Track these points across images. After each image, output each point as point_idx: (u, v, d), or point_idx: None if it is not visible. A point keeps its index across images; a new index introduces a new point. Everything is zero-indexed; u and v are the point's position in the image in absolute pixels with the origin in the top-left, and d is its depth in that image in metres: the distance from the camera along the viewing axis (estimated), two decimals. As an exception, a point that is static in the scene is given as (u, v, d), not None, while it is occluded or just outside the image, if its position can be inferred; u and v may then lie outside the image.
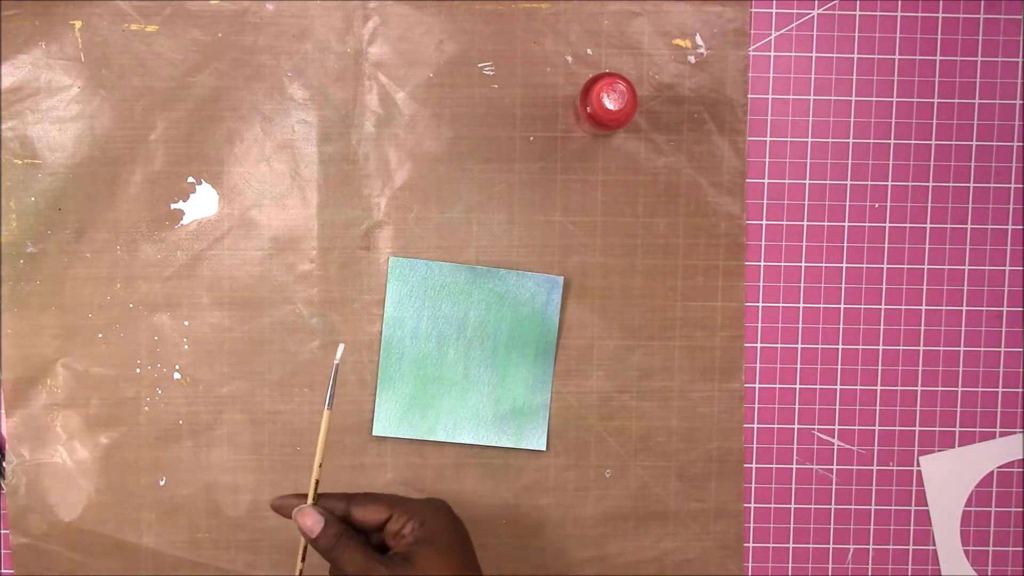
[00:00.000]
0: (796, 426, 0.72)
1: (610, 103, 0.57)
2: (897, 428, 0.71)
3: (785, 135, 0.70)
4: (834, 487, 0.72)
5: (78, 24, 0.67)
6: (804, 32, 0.70)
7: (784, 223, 0.71)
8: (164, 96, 0.68)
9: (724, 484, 0.71)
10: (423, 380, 0.70)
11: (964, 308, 0.71)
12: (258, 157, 0.69)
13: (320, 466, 0.59)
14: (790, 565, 0.72)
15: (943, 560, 0.72)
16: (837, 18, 0.70)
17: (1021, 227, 0.71)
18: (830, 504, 0.72)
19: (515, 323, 0.70)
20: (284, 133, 0.69)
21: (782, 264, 0.71)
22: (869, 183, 0.70)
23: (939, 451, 0.71)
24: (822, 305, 0.71)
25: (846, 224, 0.71)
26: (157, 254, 0.69)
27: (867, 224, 0.71)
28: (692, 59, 0.69)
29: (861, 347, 0.71)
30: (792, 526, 0.72)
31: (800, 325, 0.71)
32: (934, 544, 0.72)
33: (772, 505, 0.72)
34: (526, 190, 0.69)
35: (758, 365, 0.71)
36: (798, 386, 0.71)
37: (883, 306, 0.71)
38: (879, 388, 0.71)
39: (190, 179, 0.69)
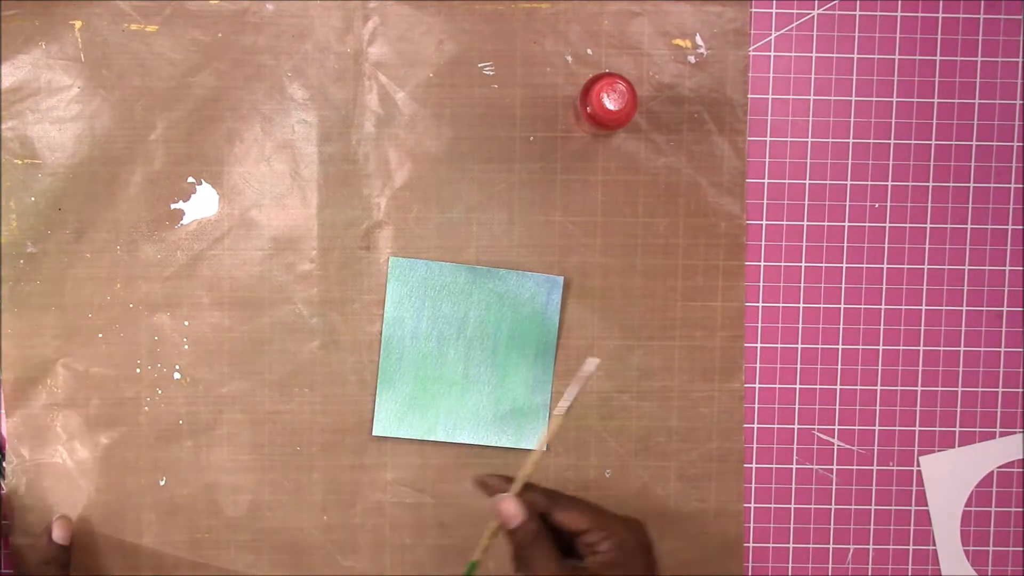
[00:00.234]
0: (796, 426, 0.72)
1: (610, 103, 0.57)
2: (897, 428, 0.71)
3: (785, 135, 0.70)
4: (834, 487, 0.72)
5: (78, 24, 0.67)
6: (804, 32, 0.70)
7: (784, 223, 0.71)
8: (164, 96, 0.68)
9: (724, 484, 0.71)
10: (423, 380, 0.70)
11: (964, 308, 0.71)
12: (258, 157, 0.69)
13: (535, 463, 0.60)
14: (790, 565, 0.72)
15: (943, 560, 0.72)
16: (837, 18, 0.70)
17: (1021, 227, 0.71)
18: (830, 504, 0.72)
19: (515, 323, 0.70)
20: (284, 133, 0.69)
21: (782, 264, 0.71)
22: (869, 183, 0.70)
23: (939, 451, 0.71)
24: (822, 305, 0.71)
25: (846, 224, 0.71)
26: (157, 254, 0.69)
27: (867, 224, 0.71)
28: (692, 59, 0.69)
29: (861, 347, 0.71)
30: (792, 526, 0.72)
31: (800, 325, 0.71)
32: (934, 544, 0.72)
33: (772, 505, 0.72)
34: (526, 190, 0.69)
35: (758, 365, 0.71)
36: (798, 386, 0.71)
37: (883, 306, 0.71)
38: (879, 388, 0.71)
39: (190, 179, 0.69)
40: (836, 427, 0.72)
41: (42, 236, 0.68)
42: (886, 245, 0.71)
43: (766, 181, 0.70)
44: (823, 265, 0.71)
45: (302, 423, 0.70)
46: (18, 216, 0.68)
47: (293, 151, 0.69)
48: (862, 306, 0.71)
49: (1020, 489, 0.72)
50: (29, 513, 0.70)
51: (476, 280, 0.69)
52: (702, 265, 0.70)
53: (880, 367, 0.71)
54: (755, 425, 0.71)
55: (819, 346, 0.71)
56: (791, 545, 0.72)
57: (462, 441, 0.70)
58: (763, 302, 0.71)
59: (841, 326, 0.71)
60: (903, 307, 0.71)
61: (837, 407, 0.72)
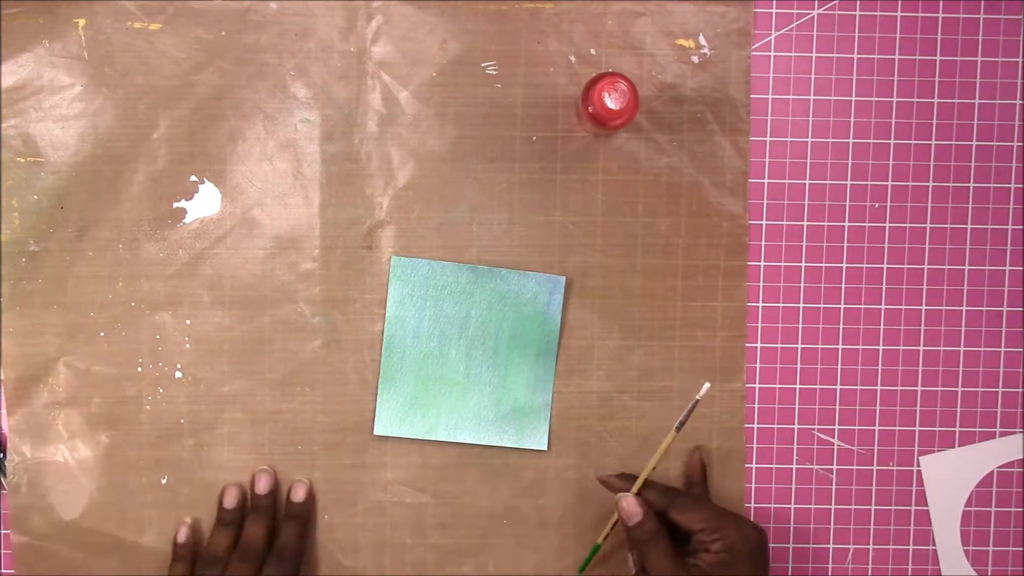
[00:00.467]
0: (796, 426, 0.72)
1: (611, 102, 0.57)
2: (897, 428, 0.71)
3: (785, 135, 0.70)
4: (834, 487, 0.72)
5: (81, 22, 0.67)
6: (804, 32, 0.70)
7: (784, 223, 0.71)
8: (167, 94, 0.68)
9: (725, 484, 0.71)
10: (424, 380, 0.70)
11: (964, 308, 0.71)
12: (260, 156, 0.69)
13: (654, 468, 0.64)
14: (790, 565, 0.72)
15: (943, 560, 0.72)
16: (837, 18, 0.70)
17: (1021, 227, 0.71)
18: (830, 504, 0.72)
19: (517, 323, 0.70)
20: (287, 132, 0.69)
21: (782, 264, 0.71)
22: (869, 183, 0.70)
23: (939, 451, 0.71)
24: (822, 305, 0.71)
25: (846, 224, 0.71)
26: (159, 253, 0.69)
27: (867, 224, 0.71)
28: (695, 59, 0.69)
29: (861, 347, 0.71)
30: (792, 526, 0.72)
31: (800, 325, 0.71)
32: (934, 544, 0.72)
33: (772, 505, 0.72)
34: (528, 190, 0.70)
35: (758, 365, 0.71)
36: (798, 386, 0.72)
37: (883, 306, 0.71)
38: (879, 388, 0.71)
39: (192, 178, 0.69)
40: (836, 427, 0.72)
41: (44, 234, 0.68)
42: (886, 245, 0.71)
43: (766, 181, 0.71)
44: (823, 265, 0.71)
45: (303, 422, 0.70)
46: (21, 214, 0.68)
47: (296, 150, 0.69)
48: (862, 306, 0.71)
49: (1020, 489, 0.72)
50: (30, 511, 0.69)
51: (478, 280, 0.69)
52: (703, 265, 0.70)
53: (880, 367, 0.71)
54: (755, 425, 0.72)
55: (819, 346, 0.71)
56: (791, 545, 0.72)
57: (463, 441, 0.70)
58: (763, 302, 0.71)
59: (841, 326, 0.71)
60: (903, 307, 0.71)
61: (837, 407, 0.72)
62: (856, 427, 0.71)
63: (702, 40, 0.69)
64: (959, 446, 0.71)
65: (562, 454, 0.71)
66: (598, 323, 0.70)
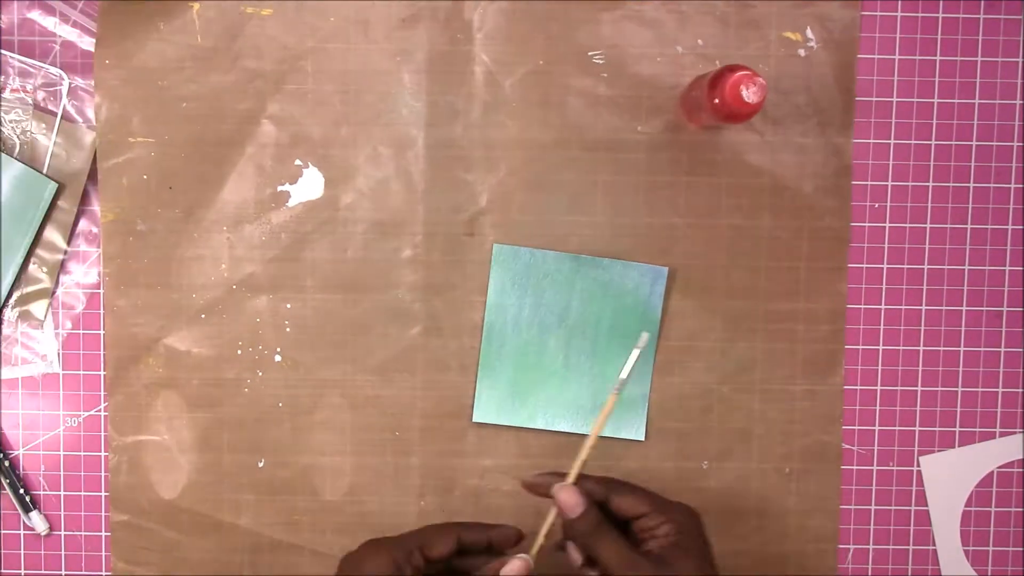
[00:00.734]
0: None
1: (750, 96, 0.56)
2: (897, 428, 0.71)
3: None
4: (831, 487, 0.72)
5: (196, 6, 0.68)
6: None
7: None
8: (276, 79, 0.68)
9: (821, 479, 0.71)
10: (523, 368, 0.70)
11: (964, 308, 0.71)
12: (365, 141, 0.69)
13: (592, 447, 0.59)
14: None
15: (943, 560, 0.72)
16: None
17: (1021, 227, 0.71)
18: (829, 503, 0.72)
19: (617, 313, 0.70)
20: (392, 117, 0.69)
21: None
22: (869, 183, 0.70)
23: (939, 451, 0.71)
24: (819, 305, 0.71)
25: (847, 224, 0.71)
26: (262, 236, 0.69)
27: (867, 224, 0.70)
28: (802, 52, 0.69)
29: (861, 347, 0.71)
30: (795, 526, 0.72)
31: (798, 325, 0.71)
32: (934, 544, 0.72)
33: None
34: (631, 180, 0.70)
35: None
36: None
37: (883, 306, 0.71)
38: (879, 388, 0.71)
39: (297, 162, 0.69)
40: (833, 427, 0.72)
41: (152, 214, 0.69)
42: (886, 245, 0.71)
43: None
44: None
45: (402, 408, 0.70)
46: (130, 194, 0.69)
47: (400, 136, 0.69)
48: (862, 306, 0.71)
49: (1020, 489, 0.72)
50: (130, 490, 0.70)
51: (580, 269, 0.69)
52: (805, 261, 0.70)
53: (880, 367, 0.71)
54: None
55: (818, 346, 0.71)
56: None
57: (561, 430, 0.70)
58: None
59: (838, 326, 0.71)
60: (903, 307, 0.71)
61: (834, 407, 0.72)
62: (856, 427, 0.71)
63: (809, 33, 0.69)
64: (959, 446, 0.71)
65: (659, 445, 0.71)
66: (699, 315, 0.70)
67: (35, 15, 0.69)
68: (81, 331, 0.70)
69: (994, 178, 0.70)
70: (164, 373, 0.70)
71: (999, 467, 0.71)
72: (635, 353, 0.59)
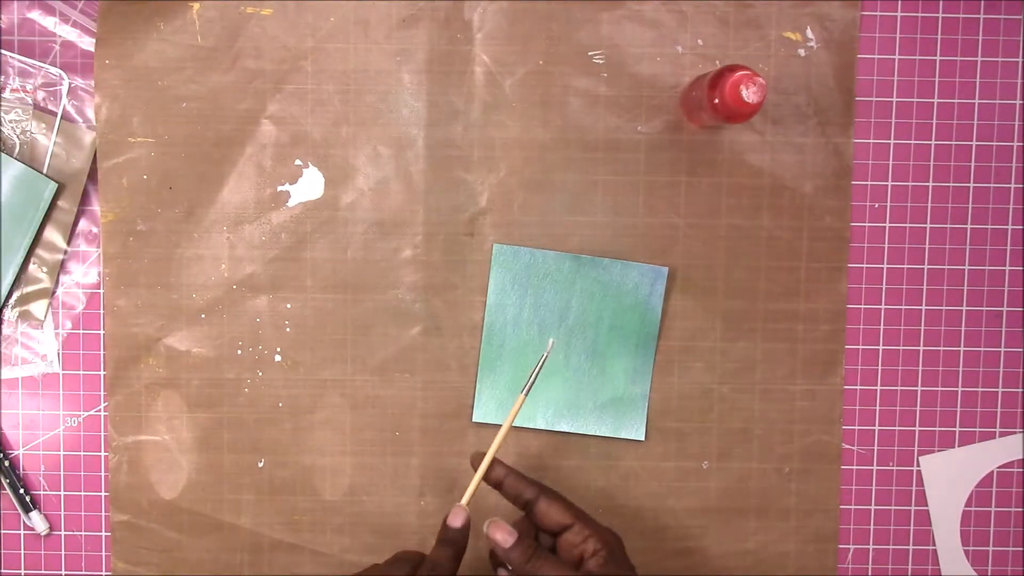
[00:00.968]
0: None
1: (750, 96, 0.57)
2: (897, 428, 0.71)
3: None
4: (832, 487, 0.72)
5: (196, 6, 0.68)
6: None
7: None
8: (276, 79, 0.68)
9: (821, 478, 0.71)
10: (524, 368, 0.70)
11: (964, 308, 0.71)
12: (365, 141, 0.69)
13: (504, 438, 0.60)
14: (798, 564, 0.72)
15: (943, 560, 0.72)
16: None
17: (1021, 227, 0.71)
18: (829, 503, 0.72)
19: (617, 313, 0.70)
20: (392, 117, 0.69)
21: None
22: (869, 183, 0.70)
23: (939, 451, 0.71)
24: (823, 305, 0.71)
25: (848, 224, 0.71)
26: (262, 236, 0.69)
27: (867, 224, 0.71)
28: (802, 52, 0.69)
29: (861, 347, 0.71)
30: (802, 525, 0.72)
31: (799, 325, 0.71)
32: (934, 544, 0.72)
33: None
34: (632, 180, 0.70)
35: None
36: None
37: (883, 306, 0.71)
38: (879, 388, 0.71)
39: (297, 162, 0.69)
40: (833, 427, 0.72)
41: (152, 214, 0.69)
42: (886, 245, 0.71)
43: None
44: (824, 265, 0.71)
45: (402, 408, 0.70)
46: (130, 194, 0.69)
47: (400, 136, 0.69)
48: (862, 306, 0.71)
49: (1020, 489, 0.72)
50: (130, 490, 0.70)
51: (579, 269, 0.69)
52: (805, 261, 0.70)
53: (880, 367, 0.71)
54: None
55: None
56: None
57: (561, 430, 0.70)
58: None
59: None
60: (903, 307, 0.71)
61: (834, 407, 0.72)
62: (856, 427, 0.71)
63: (809, 33, 0.69)
64: (959, 446, 0.71)
65: (659, 445, 0.71)
66: (699, 315, 0.70)
67: (35, 15, 0.69)
68: (81, 331, 0.70)
69: (994, 178, 0.71)
70: (164, 373, 0.70)
71: (999, 467, 0.71)
72: (543, 357, 0.60)
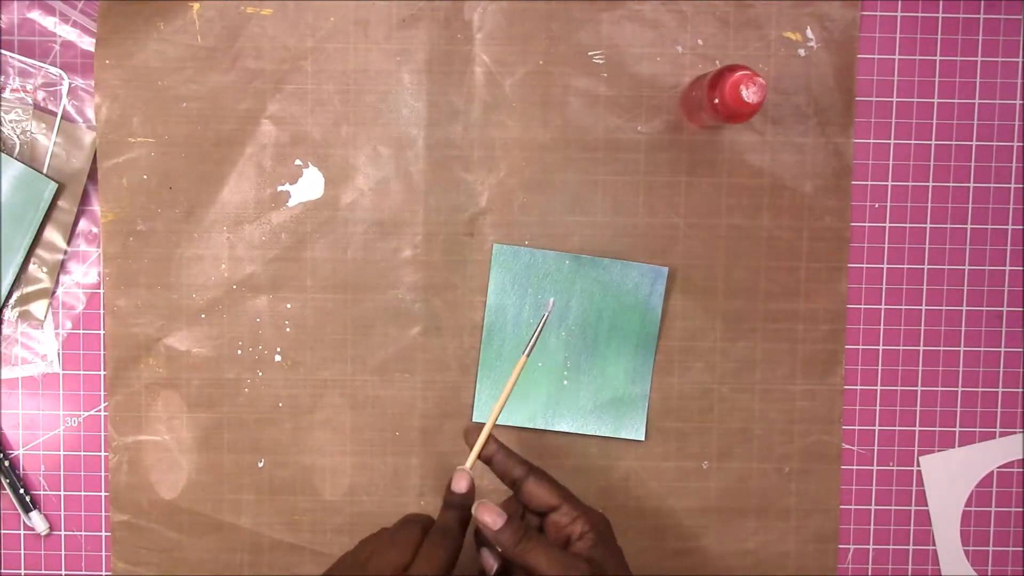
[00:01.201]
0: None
1: (750, 96, 0.57)
2: (897, 428, 0.71)
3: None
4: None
5: (196, 6, 0.68)
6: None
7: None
8: (276, 79, 0.68)
9: (821, 478, 0.71)
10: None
11: (964, 308, 0.71)
12: (365, 141, 0.69)
13: (501, 408, 0.60)
14: (799, 564, 0.72)
15: (943, 560, 0.72)
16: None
17: (1021, 227, 0.71)
18: (829, 503, 0.72)
19: (617, 313, 0.70)
20: (392, 118, 0.69)
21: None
22: (869, 183, 0.70)
23: (939, 451, 0.71)
24: (823, 305, 0.71)
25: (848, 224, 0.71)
26: (262, 236, 0.69)
27: (867, 224, 0.71)
28: (802, 52, 0.69)
29: (861, 347, 0.71)
30: (803, 525, 0.72)
31: (799, 325, 0.71)
32: (934, 544, 0.72)
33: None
34: (632, 180, 0.70)
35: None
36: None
37: (883, 306, 0.71)
38: (879, 388, 0.71)
39: (297, 162, 0.69)
40: (833, 427, 0.72)
41: (152, 214, 0.69)
42: (886, 245, 0.71)
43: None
44: (824, 265, 0.71)
45: (402, 408, 0.70)
46: (130, 194, 0.69)
47: (400, 136, 0.69)
48: (862, 306, 0.71)
49: (1020, 489, 0.72)
50: (130, 490, 0.70)
51: (579, 269, 0.69)
52: (805, 261, 0.70)
53: (880, 367, 0.71)
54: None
55: (828, 346, 0.71)
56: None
57: (561, 429, 0.70)
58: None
59: (838, 326, 0.71)
60: (903, 307, 0.71)
61: (834, 407, 0.72)
62: (856, 427, 0.71)
63: (809, 33, 0.69)
64: (959, 446, 0.71)
65: (659, 445, 0.71)
66: (699, 315, 0.70)
67: (35, 15, 0.69)
68: (81, 331, 0.70)
69: (994, 178, 0.71)
70: (164, 373, 0.70)
71: (999, 467, 0.71)
72: (544, 317, 0.60)
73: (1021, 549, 0.72)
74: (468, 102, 0.69)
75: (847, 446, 0.71)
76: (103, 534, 0.71)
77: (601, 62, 0.69)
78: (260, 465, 0.70)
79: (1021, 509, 0.72)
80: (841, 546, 0.72)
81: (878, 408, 0.71)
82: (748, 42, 0.69)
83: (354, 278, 0.70)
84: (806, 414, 0.71)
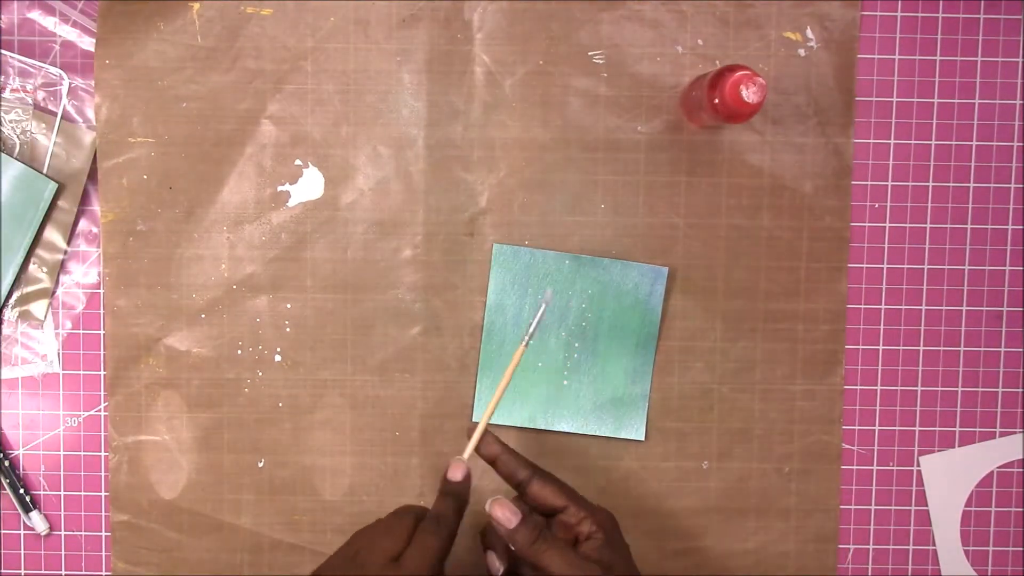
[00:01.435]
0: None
1: (750, 96, 0.57)
2: (897, 428, 0.71)
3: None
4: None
5: (196, 6, 0.68)
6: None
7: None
8: (276, 79, 0.68)
9: (821, 478, 0.71)
10: (524, 368, 0.70)
11: (964, 308, 0.71)
12: (365, 141, 0.69)
13: (497, 401, 0.60)
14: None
15: (943, 560, 0.72)
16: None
17: (1021, 227, 0.71)
18: (828, 503, 0.72)
19: (617, 313, 0.70)
20: (392, 118, 0.69)
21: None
22: (869, 183, 0.70)
23: (939, 451, 0.71)
24: (822, 305, 0.71)
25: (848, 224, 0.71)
26: (262, 236, 0.69)
27: (867, 224, 0.71)
28: (802, 52, 0.69)
29: (861, 347, 0.71)
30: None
31: (799, 325, 0.71)
32: (934, 544, 0.72)
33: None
34: (632, 180, 0.70)
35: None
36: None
37: (883, 306, 0.71)
38: (879, 388, 0.71)
39: (297, 162, 0.69)
40: (833, 427, 0.72)
41: (153, 214, 0.69)
42: (886, 245, 0.71)
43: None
44: (823, 265, 0.71)
45: (402, 408, 0.70)
46: (130, 194, 0.69)
47: (400, 136, 0.69)
48: (862, 306, 0.71)
49: (1020, 489, 0.72)
50: (130, 490, 0.70)
51: (579, 269, 0.69)
52: (805, 260, 0.70)
53: (880, 367, 0.71)
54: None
55: (824, 346, 0.71)
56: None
57: (561, 429, 0.70)
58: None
59: (838, 326, 0.71)
60: (903, 307, 0.71)
61: (834, 407, 0.72)
62: (856, 427, 0.71)
63: (809, 33, 0.69)
64: (959, 446, 0.71)
65: (659, 445, 0.71)
66: (699, 315, 0.70)
67: (35, 15, 0.69)
68: (81, 331, 0.70)
69: (994, 178, 0.71)
70: (164, 373, 0.70)
71: (999, 467, 0.71)
72: (542, 307, 0.60)
73: (1021, 549, 0.72)
74: (468, 102, 0.69)
75: (847, 446, 0.71)
76: (103, 534, 0.71)
77: (601, 62, 0.69)
78: (260, 465, 0.70)
79: (1021, 509, 0.72)
80: (841, 546, 0.72)
81: (878, 408, 0.71)
82: (748, 42, 0.69)
83: (354, 278, 0.70)
84: (806, 414, 0.71)
